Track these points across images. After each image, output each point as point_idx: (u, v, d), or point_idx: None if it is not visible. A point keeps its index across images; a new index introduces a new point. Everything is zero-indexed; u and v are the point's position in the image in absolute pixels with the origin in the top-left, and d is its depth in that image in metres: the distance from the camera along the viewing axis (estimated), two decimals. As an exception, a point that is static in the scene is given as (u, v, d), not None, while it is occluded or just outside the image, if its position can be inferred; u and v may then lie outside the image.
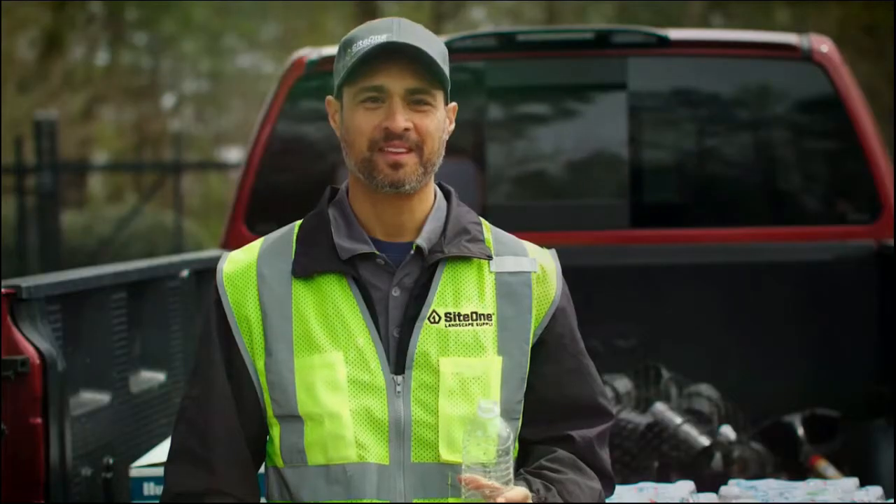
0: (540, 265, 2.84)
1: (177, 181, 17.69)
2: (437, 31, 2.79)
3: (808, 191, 5.03)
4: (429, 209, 2.80)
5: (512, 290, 2.79)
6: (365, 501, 2.70)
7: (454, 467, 2.69)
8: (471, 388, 2.71)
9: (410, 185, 2.73)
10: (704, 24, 19.82)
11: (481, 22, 22.58)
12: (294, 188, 4.97)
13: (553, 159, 5.03)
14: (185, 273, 4.29)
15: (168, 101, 26.10)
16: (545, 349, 2.81)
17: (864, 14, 18.36)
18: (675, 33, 4.94)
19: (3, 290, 3.27)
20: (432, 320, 2.74)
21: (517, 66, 4.96)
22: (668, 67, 4.93)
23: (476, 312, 2.75)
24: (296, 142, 5.03)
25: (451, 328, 2.73)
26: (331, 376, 2.71)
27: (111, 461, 3.66)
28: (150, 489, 3.57)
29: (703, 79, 4.99)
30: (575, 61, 4.91)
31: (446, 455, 2.71)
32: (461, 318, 2.74)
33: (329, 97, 2.84)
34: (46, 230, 15.11)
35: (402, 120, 2.71)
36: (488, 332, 2.74)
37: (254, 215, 4.90)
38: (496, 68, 4.90)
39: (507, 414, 2.73)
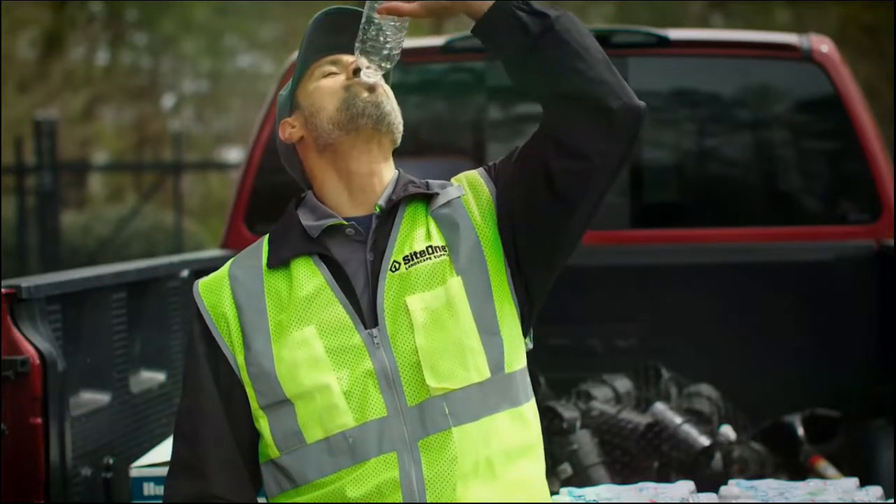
0: (466, 182, 2.90)
1: (177, 181, 17.70)
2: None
3: (809, 191, 5.02)
4: (391, 178, 2.90)
5: (449, 218, 2.85)
6: (371, 461, 2.72)
7: (447, 395, 2.73)
8: (442, 316, 2.76)
9: (388, 106, 2.84)
10: (704, 24, 19.82)
11: (481, 22, 22.49)
12: (294, 188, 4.94)
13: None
14: (185, 273, 4.29)
15: (168, 101, 26.10)
16: (507, 179, 2.86)
17: (864, 14, 18.36)
18: (675, 33, 4.93)
19: (3, 290, 3.27)
20: (394, 269, 2.80)
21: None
22: (668, 67, 4.93)
23: (430, 246, 2.81)
24: (296, 142, 5.02)
25: (411, 269, 2.79)
26: (309, 352, 2.75)
27: (111, 461, 3.66)
28: (150, 489, 3.57)
29: (703, 79, 4.99)
30: (575, 61, 4.90)
31: (435, 385, 2.73)
32: (417, 255, 2.81)
33: (284, 119, 2.93)
34: (46, 230, 15.10)
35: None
36: (444, 262, 2.80)
37: (254, 215, 4.90)
38: (496, 68, 4.90)
39: (484, 329, 2.77)
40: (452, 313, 2.76)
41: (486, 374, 2.76)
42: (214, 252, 4.79)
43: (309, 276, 2.81)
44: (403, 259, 2.80)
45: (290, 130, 2.92)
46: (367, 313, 2.78)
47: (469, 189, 2.89)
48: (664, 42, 4.88)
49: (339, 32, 2.87)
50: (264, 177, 4.92)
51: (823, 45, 4.87)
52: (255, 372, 2.78)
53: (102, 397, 3.71)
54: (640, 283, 4.77)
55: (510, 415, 2.79)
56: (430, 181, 2.94)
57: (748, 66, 4.93)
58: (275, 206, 4.83)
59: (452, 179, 2.93)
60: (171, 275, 4.20)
